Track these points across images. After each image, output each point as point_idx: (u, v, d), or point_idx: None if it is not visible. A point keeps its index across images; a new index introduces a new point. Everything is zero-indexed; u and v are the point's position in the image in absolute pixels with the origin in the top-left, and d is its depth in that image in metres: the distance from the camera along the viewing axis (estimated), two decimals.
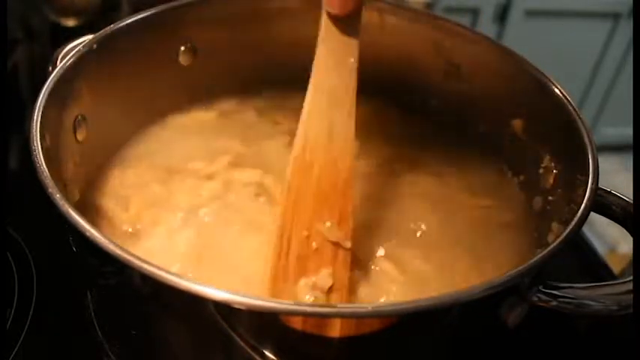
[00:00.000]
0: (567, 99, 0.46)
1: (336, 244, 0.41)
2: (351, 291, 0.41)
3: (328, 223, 0.40)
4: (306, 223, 0.41)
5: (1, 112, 0.66)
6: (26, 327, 0.45)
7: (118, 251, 0.30)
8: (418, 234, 0.47)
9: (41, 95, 0.40)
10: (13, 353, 0.43)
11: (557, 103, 0.46)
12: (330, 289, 0.40)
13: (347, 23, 0.39)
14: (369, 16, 0.56)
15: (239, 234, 0.45)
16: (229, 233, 0.45)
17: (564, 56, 1.68)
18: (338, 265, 0.40)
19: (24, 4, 0.86)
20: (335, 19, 0.39)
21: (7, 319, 0.45)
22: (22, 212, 0.55)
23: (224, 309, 0.30)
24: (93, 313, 0.46)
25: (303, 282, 0.40)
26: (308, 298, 0.39)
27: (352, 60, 0.40)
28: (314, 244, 0.40)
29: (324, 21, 0.39)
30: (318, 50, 0.40)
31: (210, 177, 0.50)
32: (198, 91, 0.58)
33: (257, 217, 0.46)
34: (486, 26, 1.65)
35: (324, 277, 0.40)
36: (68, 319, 0.47)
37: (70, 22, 0.85)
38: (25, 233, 0.52)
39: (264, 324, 0.32)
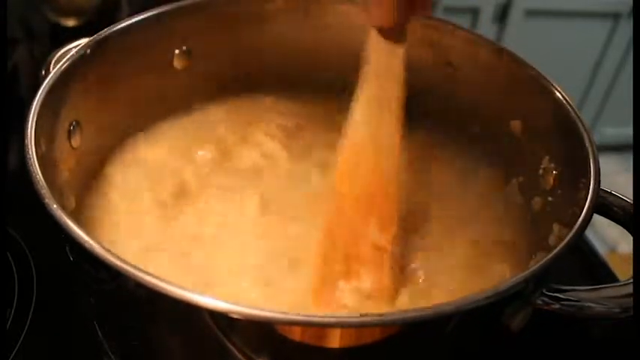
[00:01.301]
0: (567, 100, 0.46)
1: (380, 249, 0.41)
2: (392, 297, 0.41)
3: (373, 228, 0.41)
4: (352, 227, 0.41)
5: (1, 112, 0.66)
6: (26, 327, 0.45)
7: (115, 261, 0.30)
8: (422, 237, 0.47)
9: (35, 102, 0.40)
10: (13, 353, 0.43)
11: (557, 104, 0.46)
12: (372, 294, 0.40)
13: (393, 34, 0.40)
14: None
15: (240, 248, 0.45)
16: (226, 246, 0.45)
17: (564, 56, 1.68)
18: (381, 270, 0.40)
19: (24, 4, 0.86)
20: (381, 31, 0.40)
21: (7, 319, 0.45)
22: (22, 212, 0.54)
23: (219, 318, 0.30)
24: (93, 314, 0.46)
25: (346, 285, 0.40)
26: (348, 302, 0.39)
27: (399, 68, 0.41)
28: (358, 248, 0.41)
29: (372, 32, 0.40)
30: (367, 60, 0.41)
31: (204, 182, 0.50)
32: (193, 95, 0.58)
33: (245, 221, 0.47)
34: (486, 26, 1.65)
35: (366, 282, 0.40)
36: (68, 319, 0.47)
37: (70, 22, 0.85)
38: (25, 233, 0.52)
39: (260, 333, 0.31)
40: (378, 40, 0.40)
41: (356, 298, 0.40)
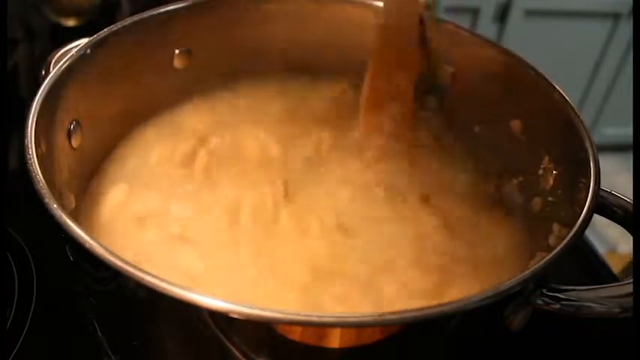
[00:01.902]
0: (567, 100, 0.46)
1: (405, 88, 0.54)
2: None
3: (401, 74, 0.54)
4: (388, 72, 0.54)
5: (1, 112, 0.66)
6: (26, 327, 0.45)
7: (116, 261, 0.30)
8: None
9: (35, 101, 0.40)
10: (13, 353, 0.43)
11: (557, 104, 0.46)
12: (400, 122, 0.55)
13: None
14: (367, 16, 0.56)
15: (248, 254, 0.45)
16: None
17: (564, 56, 1.68)
18: (406, 100, 0.55)
19: (24, 4, 0.86)
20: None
21: (7, 319, 0.45)
22: (22, 212, 0.55)
23: (219, 317, 0.30)
24: (93, 314, 0.46)
25: (383, 112, 0.55)
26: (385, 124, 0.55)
27: None
28: (392, 87, 0.54)
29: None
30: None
31: (204, 184, 0.50)
32: (194, 94, 0.57)
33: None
34: (486, 26, 1.65)
35: (395, 110, 0.55)
36: (68, 319, 0.47)
37: (70, 22, 0.85)
38: (25, 233, 0.52)
39: (260, 333, 0.31)
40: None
41: (390, 122, 0.55)
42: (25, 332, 0.45)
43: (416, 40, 0.54)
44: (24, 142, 0.37)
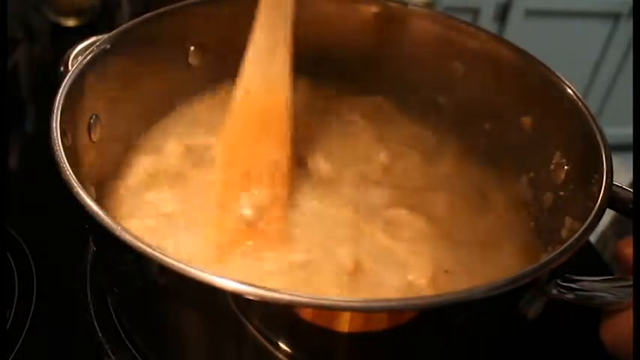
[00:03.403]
0: (577, 96, 0.46)
1: (276, 165, 0.46)
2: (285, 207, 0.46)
3: (269, 148, 0.46)
4: (249, 146, 0.46)
5: (1, 112, 0.66)
6: (26, 327, 0.45)
7: (145, 248, 0.30)
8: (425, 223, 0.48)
9: (59, 95, 0.40)
10: (13, 353, 0.43)
11: (567, 100, 0.46)
12: (268, 208, 0.45)
13: None
14: (378, 14, 0.56)
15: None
16: None
17: (564, 56, 1.68)
18: (276, 185, 0.46)
19: (24, 4, 0.86)
20: None
21: (7, 319, 0.45)
22: (22, 212, 0.55)
23: (238, 299, 0.30)
24: (93, 314, 0.46)
25: (243, 196, 0.45)
26: (246, 212, 0.44)
27: (286, 21, 0.46)
28: (256, 165, 0.46)
29: None
30: (258, 12, 0.47)
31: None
32: (208, 90, 0.58)
33: None
34: (486, 26, 1.64)
35: (261, 195, 0.45)
36: (68, 319, 0.47)
37: (70, 22, 0.85)
38: (25, 233, 0.52)
39: (278, 315, 0.32)
40: None
41: (250, 209, 0.45)
42: (25, 332, 0.44)
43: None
44: (50, 135, 0.37)
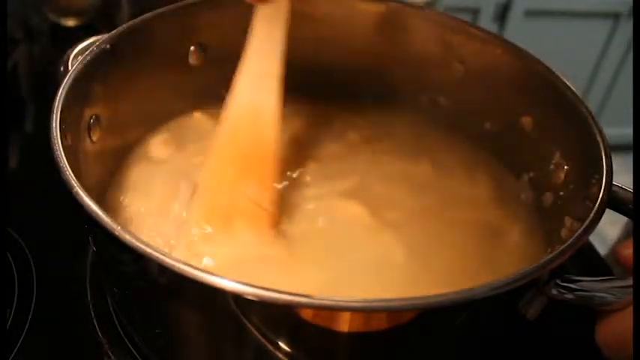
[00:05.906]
0: (578, 96, 0.46)
1: (259, 206, 0.44)
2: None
3: (251, 186, 0.44)
4: (231, 183, 0.44)
5: (1, 112, 0.66)
6: (26, 327, 0.45)
7: (145, 248, 0.30)
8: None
9: (59, 95, 0.40)
10: (13, 353, 0.43)
11: (567, 100, 0.46)
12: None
13: (271, 14, 0.44)
14: (378, 14, 0.56)
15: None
16: None
17: (564, 56, 1.68)
18: (259, 226, 0.44)
19: (24, 4, 0.86)
20: (261, 11, 0.44)
21: (7, 319, 0.45)
22: (22, 212, 0.55)
23: (238, 299, 0.30)
24: (93, 313, 0.46)
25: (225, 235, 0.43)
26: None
27: (278, 48, 0.44)
28: (237, 203, 0.44)
29: (255, 11, 0.44)
30: (249, 37, 0.45)
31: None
32: (209, 92, 0.57)
33: None
34: (486, 26, 1.64)
35: (244, 232, 0.43)
36: (68, 319, 0.47)
37: (70, 22, 0.85)
38: (25, 233, 0.52)
39: (277, 315, 0.32)
40: (259, 20, 0.44)
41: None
42: (25, 332, 0.44)
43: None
44: (50, 134, 0.37)
